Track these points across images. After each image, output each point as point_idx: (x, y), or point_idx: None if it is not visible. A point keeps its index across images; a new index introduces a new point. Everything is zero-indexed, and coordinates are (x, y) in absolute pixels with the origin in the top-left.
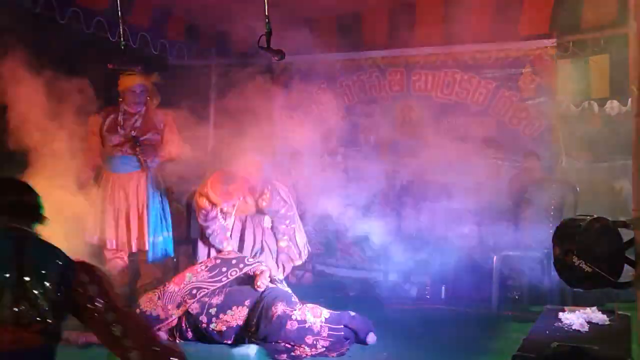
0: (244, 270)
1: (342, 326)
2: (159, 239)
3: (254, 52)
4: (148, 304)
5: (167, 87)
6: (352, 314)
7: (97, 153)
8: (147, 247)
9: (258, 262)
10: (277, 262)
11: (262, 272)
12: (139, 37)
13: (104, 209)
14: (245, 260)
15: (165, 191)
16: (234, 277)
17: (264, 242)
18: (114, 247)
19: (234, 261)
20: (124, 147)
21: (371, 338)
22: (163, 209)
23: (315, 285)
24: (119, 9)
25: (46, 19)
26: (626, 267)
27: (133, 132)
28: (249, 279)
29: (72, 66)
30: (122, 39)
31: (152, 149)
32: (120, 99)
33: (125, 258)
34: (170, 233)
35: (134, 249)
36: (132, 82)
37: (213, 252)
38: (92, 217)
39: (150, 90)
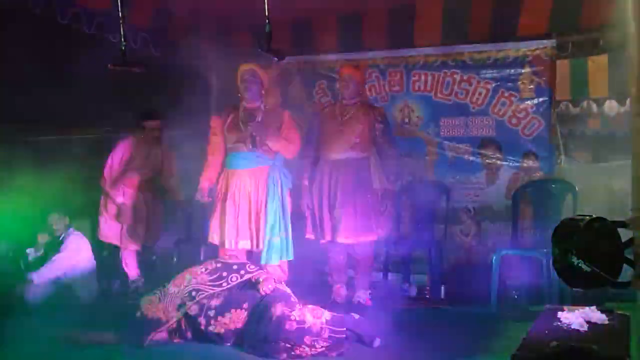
0: (245, 277)
1: (345, 329)
2: (276, 240)
3: (254, 52)
4: (149, 306)
5: (167, 87)
6: (356, 316)
7: (219, 153)
8: (262, 247)
9: (260, 269)
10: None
11: (265, 280)
12: (139, 38)
13: (224, 206)
14: (247, 267)
15: (284, 189)
16: (234, 282)
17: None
18: (233, 246)
19: (235, 267)
20: (245, 143)
21: (377, 343)
22: (283, 208)
23: (315, 285)
24: (119, 9)
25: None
26: (625, 266)
27: (253, 130)
28: (250, 284)
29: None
30: (122, 39)
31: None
32: (239, 95)
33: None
34: (289, 234)
35: (253, 248)
36: (243, 68)
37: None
38: (214, 217)
39: (266, 84)
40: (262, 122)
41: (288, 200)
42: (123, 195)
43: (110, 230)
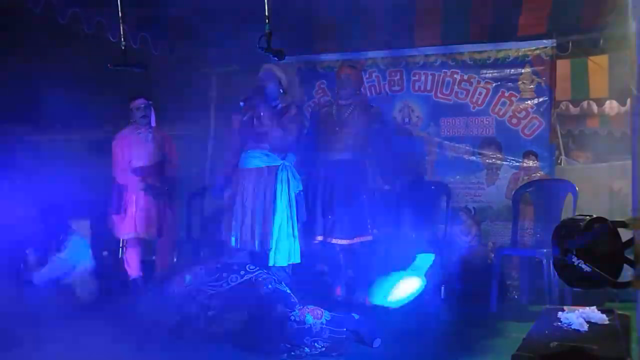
0: (245, 277)
1: (344, 329)
2: (284, 241)
3: (255, 52)
4: (149, 306)
5: (168, 87)
6: (356, 317)
7: (235, 151)
8: (270, 248)
9: (259, 269)
10: None
11: (265, 280)
12: (139, 38)
13: (233, 205)
14: (247, 267)
15: (293, 190)
16: (234, 283)
17: None
18: (239, 245)
19: (235, 267)
20: (255, 141)
21: (377, 344)
22: (291, 209)
23: (315, 285)
24: (119, 9)
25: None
26: (625, 266)
27: (267, 126)
28: (250, 284)
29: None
30: (122, 39)
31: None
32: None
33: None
34: (297, 235)
35: (257, 249)
36: (263, 68)
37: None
38: (226, 215)
39: (284, 84)
40: (265, 92)
41: (297, 202)
42: (135, 187)
43: (126, 226)
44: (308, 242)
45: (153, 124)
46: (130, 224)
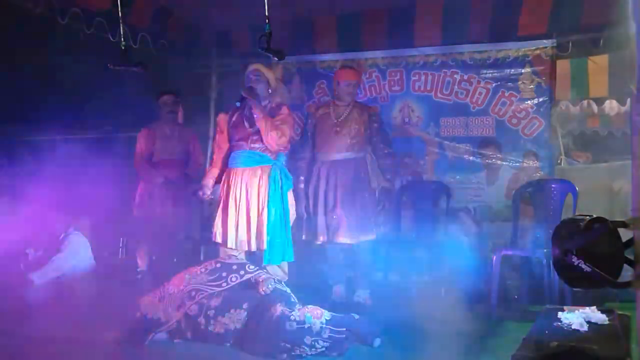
0: (244, 277)
1: (345, 329)
2: (277, 240)
3: (255, 52)
4: (149, 307)
5: (167, 87)
6: (356, 316)
7: (223, 151)
8: (264, 247)
9: (259, 269)
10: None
11: (264, 280)
12: (139, 37)
13: (226, 205)
14: (247, 267)
15: (285, 189)
16: (234, 283)
17: None
18: (234, 246)
19: (234, 267)
20: (247, 141)
21: (377, 343)
22: (284, 209)
23: (315, 286)
24: (119, 9)
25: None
26: (625, 266)
27: (258, 127)
28: (249, 284)
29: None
30: (122, 39)
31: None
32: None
33: (242, 257)
34: (290, 235)
35: (252, 249)
36: (249, 68)
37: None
38: (217, 215)
39: (272, 83)
40: (257, 93)
41: (289, 201)
42: (155, 180)
43: (146, 218)
44: (309, 242)
45: (180, 120)
46: (149, 216)
